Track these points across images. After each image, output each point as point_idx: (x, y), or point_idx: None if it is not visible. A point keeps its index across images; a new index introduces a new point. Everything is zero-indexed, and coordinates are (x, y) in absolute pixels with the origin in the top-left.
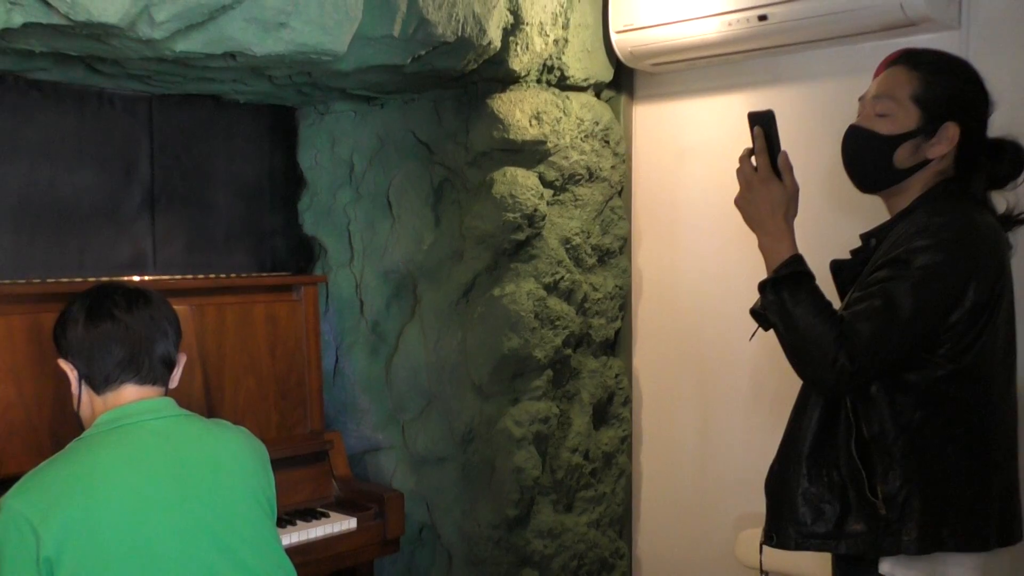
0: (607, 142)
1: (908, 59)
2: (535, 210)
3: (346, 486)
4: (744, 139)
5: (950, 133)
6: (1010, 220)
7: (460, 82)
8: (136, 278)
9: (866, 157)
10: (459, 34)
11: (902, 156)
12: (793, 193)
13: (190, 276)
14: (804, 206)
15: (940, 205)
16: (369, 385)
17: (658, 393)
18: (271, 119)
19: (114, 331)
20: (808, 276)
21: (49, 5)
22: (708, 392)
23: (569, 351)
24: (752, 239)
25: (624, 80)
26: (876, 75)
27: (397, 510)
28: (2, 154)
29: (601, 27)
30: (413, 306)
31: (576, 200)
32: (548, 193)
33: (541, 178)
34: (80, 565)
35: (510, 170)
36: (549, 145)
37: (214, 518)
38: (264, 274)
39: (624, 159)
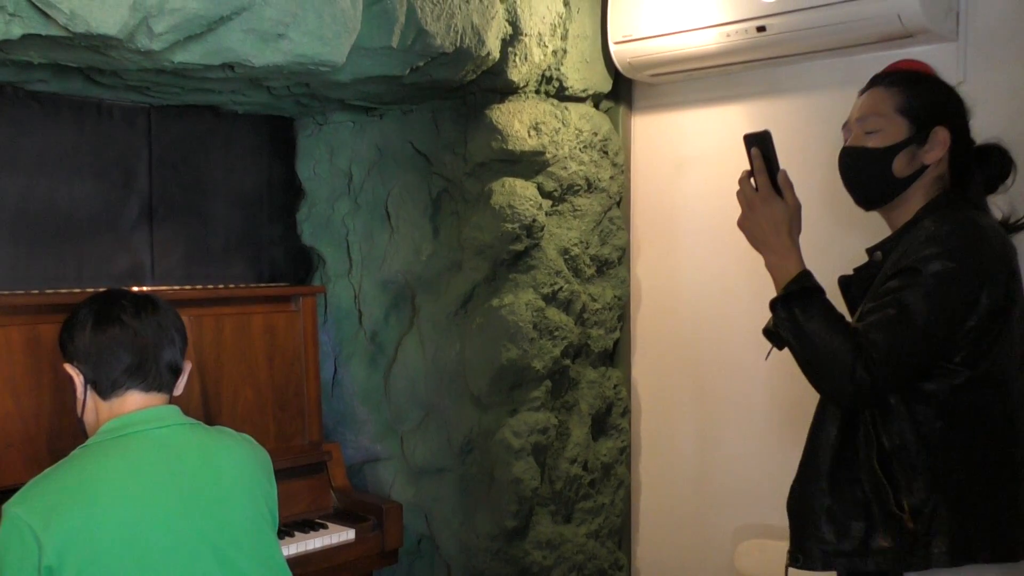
0: (606, 153)
1: (882, 80)
2: (534, 220)
3: (344, 497)
4: (743, 151)
5: (941, 137)
6: (1007, 227)
7: (458, 93)
8: (134, 289)
9: (866, 173)
10: (458, 45)
11: (900, 166)
12: (795, 210)
13: (188, 287)
14: (804, 218)
15: (945, 213)
16: (367, 396)
17: (657, 404)
18: (269, 130)
19: (122, 337)
20: (818, 290)
21: (48, 17)
22: (707, 403)
23: (568, 362)
24: (751, 249)
25: (623, 91)
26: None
27: (395, 521)
28: (1, 165)
29: (600, 38)
30: (411, 317)
31: (575, 210)
32: (547, 203)
33: (540, 189)
34: (81, 573)
35: (508, 181)
36: (548, 156)
37: (214, 529)
38: (262, 285)
39: (623, 170)
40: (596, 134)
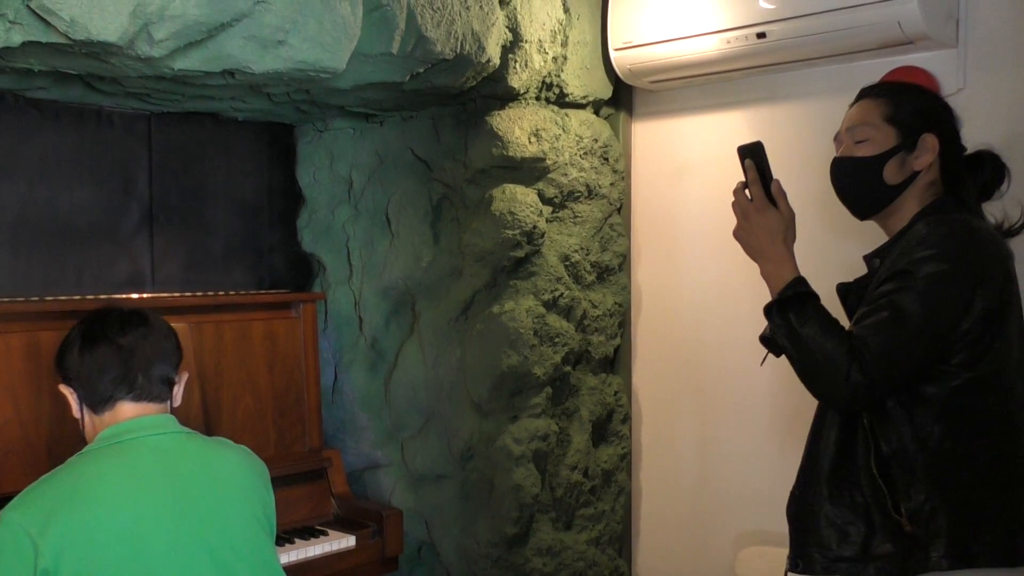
0: (606, 159)
1: (871, 91)
2: (534, 227)
3: (345, 504)
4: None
5: (930, 143)
6: (1002, 232)
7: (459, 99)
8: (135, 295)
9: (857, 182)
10: (458, 51)
11: (891, 173)
12: (789, 219)
13: (188, 293)
14: (803, 224)
15: (940, 217)
16: (368, 402)
17: (657, 410)
18: (270, 137)
19: (108, 352)
20: (812, 296)
21: (48, 24)
22: (708, 409)
23: (568, 368)
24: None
25: (623, 97)
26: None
27: (396, 528)
28: (1, 172)
29: (600, 44)
30: (412, 323)
31: (575, 217)
32: (547, 210)
33: (540, 195)
34: (78, 575)
35: (509, 187)
36: (548, 162)
37: (211, 533)
38: (262, 291)
39: (623, 176)
40: (596, 140)
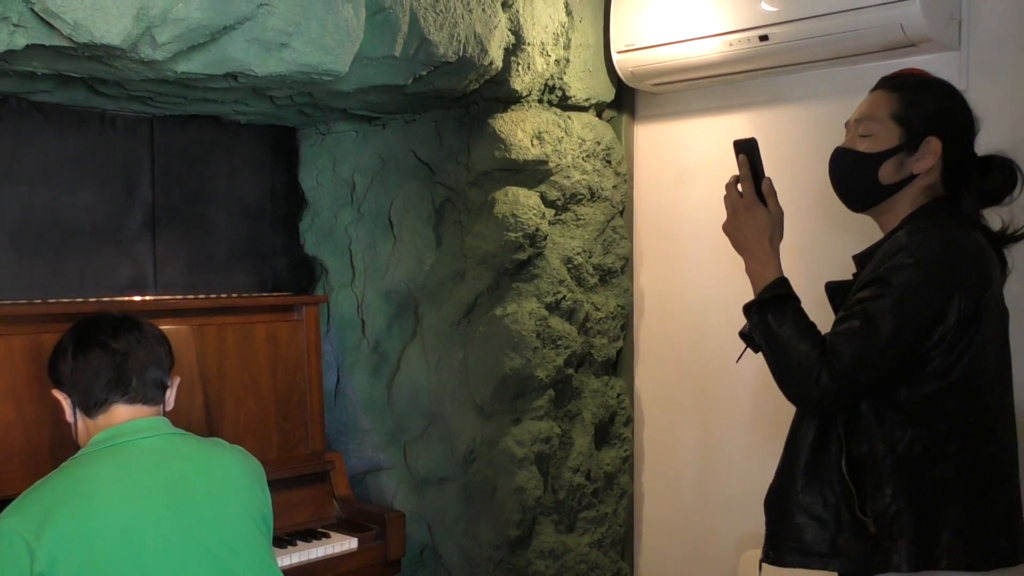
0: (608, 162)
1: (888, 82)
2: (537, 230)
3: (347, 507)
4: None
5: (932, 147)
6: (1005, 237)
7: (461, 102)
8: (137, 298)
9: (852, 176)
10: (460, 54)
11: (887, 173)
12: (777, 218)
13: (191, 296)
14: (803, 224)
15: (923, 223)
16: (370, 405)
17: (660, 413)
18: (272, 139)
19: (101, 356)
20: (792, 298)
21: (52, 27)
22: (710, 412)
23: (571, 371)
24: None
25: (625, 100)
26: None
27: (398, 531)
28: (4, 175)
29: (602, 47)
30: (414, 326)
31: (578, 220)
32: (550, 213)
33: (543, 198)
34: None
35: (512, 190)
36: (551, 165)
37: (207, 534)
38: (265, 294)
39: (625, 179)
40: (599, 143)
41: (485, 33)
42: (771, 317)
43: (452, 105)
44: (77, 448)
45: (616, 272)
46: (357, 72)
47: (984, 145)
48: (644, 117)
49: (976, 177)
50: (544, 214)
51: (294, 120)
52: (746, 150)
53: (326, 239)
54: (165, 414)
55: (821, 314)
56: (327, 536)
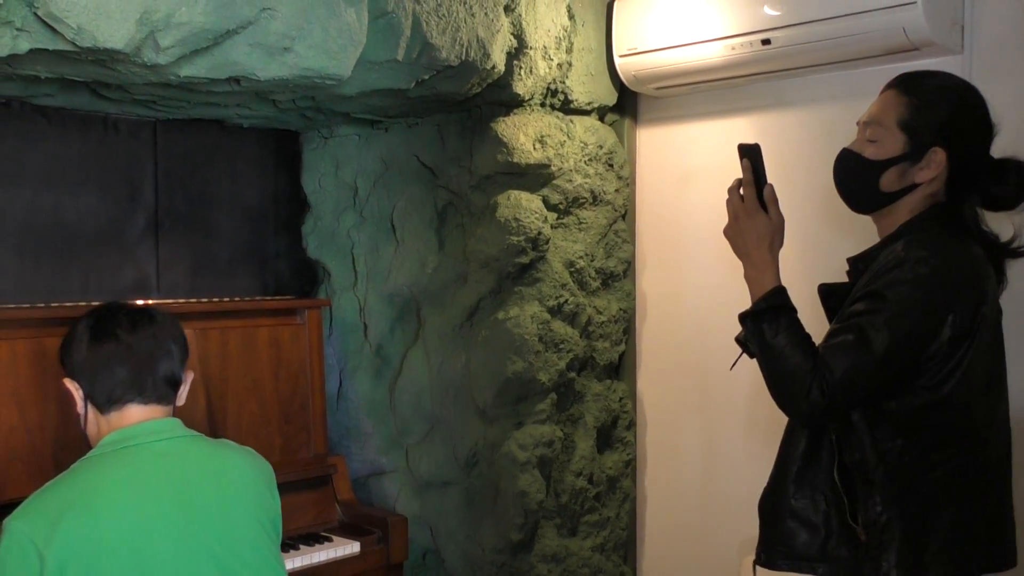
0: (611, 165)
1: (903, 83)
2: (539, 233)
3: (350, 510)
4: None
5: (937, 158)
6: (1008, 251)
7: (464, 106)
8: (140, 302)
9: (854, 180)
10: (463, 58)
11: (888, 180)
12: (778, 225)
13: (194, 300)
14: (805, 229)
15: (921, 236)
16: (373, 409)
17: (662, 417)
18: (275, 143)
19: (117, 351)
20: (788, 309)
21: (55, 31)
22: (712, 416)
23: (573, 374)
24: None
25: (628, 104)
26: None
27: (401, 534)
28: (7, 179)
29: (605, 51)
30: (417, 330)
31: (580, 223)
32: (552, 216)
33: (545, 201)
34: None
35: (514, 193)
36: (553, 168)
37: (215, 540)
38: (268, 298)
39: (628, 182)
40: (601, 147)
41: (487, 37)
42: (766, 327)
43: (454, 109)
44: (80, 448)
45: (618, 276)
46: (360, 76)
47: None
48: (646, 121)
49: (987, 181)
50: (546, 218)
51: (297, 124)
52: (750, 155)
53: (328, 243)
54: (176, 411)
55: (817, 317)
56: (329, 540)
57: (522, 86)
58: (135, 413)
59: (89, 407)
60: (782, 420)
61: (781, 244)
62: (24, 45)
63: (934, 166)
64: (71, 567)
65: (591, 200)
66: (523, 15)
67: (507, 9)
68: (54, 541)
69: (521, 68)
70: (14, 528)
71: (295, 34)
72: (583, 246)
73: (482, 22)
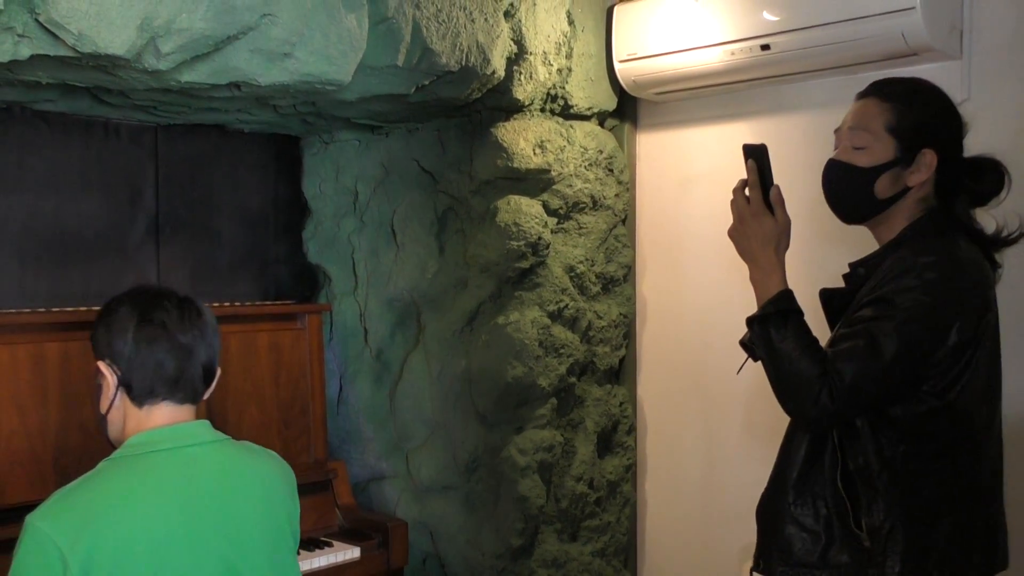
0: (611, 170)
1: (880, 90)
2: (539, 238)
3: (350, 515)
4: (743, 170)
5: (928, 160)
6: (999, 241)
7: (464, 111)
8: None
9: (848, 190)
10: (463, 63)
11: (882, 186)
12: (784, 227)
13: None
14: (805, 234)
15: (927, 242)
16: (373, 414)
17: (663, 421)
18: (276, 148)
19: (165, 345)
20: (795, 313)
21: (56, 37)
22: (713, 420)
23: (573, 379)
24: None
25: (627, 109)
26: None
27: (401, 539)
28: (8, 184)
29: (604, 56)
30: (417, 334)
31: (580, 228)
32: (552, 221)
33: (545, 206)
34: None
35: (514, 198)
36: (553, 173)
37: (233, 551)
38: (268, 303)
39: (628, 187)
40: (601, 152)
41: (488, 42)
42: (773, 331)
43: (455, 114)
44: (80, 452)
45: (618, 280)
46: (360, 82)
47: (986, 154)
48: (646, 126)
49: (968, 181)
50: (546, 223)
51: (297, 129)
52: (756, 156)
53: (329, 248)
54: (197, 409)
55: (818, 322)
56: (330, 545)
57: (522, 91)
58: (165, 412)
59: (120, 395)
60: (782, 425)
61: (787, 246)
62: (25, 51)
63: (925, 168)
64: (94, 574)
65: (591, 205)
66: (523, 20)
67: (507, 15)
68: (79, 548)
69: (521, 73)
70: (38, 529)
71: (295, 40)
72: (583, 251)
73: (482, 27)
